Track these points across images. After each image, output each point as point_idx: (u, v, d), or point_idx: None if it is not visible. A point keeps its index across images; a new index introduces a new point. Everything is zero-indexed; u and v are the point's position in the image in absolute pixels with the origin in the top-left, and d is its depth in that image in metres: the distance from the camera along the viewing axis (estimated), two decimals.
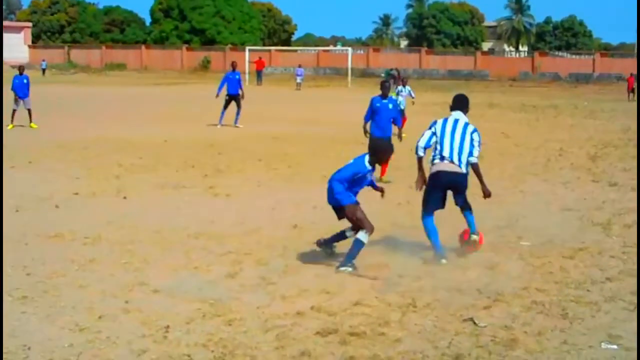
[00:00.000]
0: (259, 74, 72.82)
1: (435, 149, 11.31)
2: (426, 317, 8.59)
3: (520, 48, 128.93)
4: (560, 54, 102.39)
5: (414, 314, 8.69)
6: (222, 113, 31.01)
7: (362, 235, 10.76)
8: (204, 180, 17.64)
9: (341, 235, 11.37)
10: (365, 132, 17.87)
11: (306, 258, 11.06)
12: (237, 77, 31.63)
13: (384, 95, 17.74)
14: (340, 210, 11.19)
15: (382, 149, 11.54)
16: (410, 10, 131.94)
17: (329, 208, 14.55)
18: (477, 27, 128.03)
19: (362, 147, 23.48)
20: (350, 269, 10.49)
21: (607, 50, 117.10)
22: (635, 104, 50.78)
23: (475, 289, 9.62)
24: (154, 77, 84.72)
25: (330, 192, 11.27)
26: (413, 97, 31.38)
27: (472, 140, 11.21)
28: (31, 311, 8.60)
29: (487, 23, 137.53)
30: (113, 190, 16.31)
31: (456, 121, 11.37)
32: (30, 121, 28.55)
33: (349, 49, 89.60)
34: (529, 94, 62.14)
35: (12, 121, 28.44)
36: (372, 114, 17.75)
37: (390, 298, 9.22)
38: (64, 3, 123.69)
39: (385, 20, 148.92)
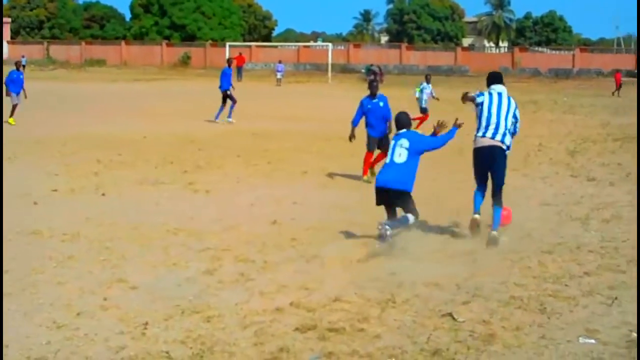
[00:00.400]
0: (239, 70, 72.60)
1: (480, 123, 11.96)
2: (405, 313, 8.59)
3: (501, 44, 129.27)
4: (540, 49, 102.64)
5: (393, 310, 8.69)
6: (221, 109, 31.26)
7: (412, 218, 11.41)
8: (184, 177, 17.61)
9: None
10: (351, 137, 17.75)
11: (285, 254, 11.04)
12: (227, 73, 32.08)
13: (373, 95, 17.69)
14: (397, 196, 11.54)
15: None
16: (390, 5, 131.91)
17: (309, 203, 14.66)
18: (458, 22, 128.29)
19: (343, 142, 23.53)
20: (389, 233, 11.15)
21: (586, 45, 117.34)
22: (618, 100, 51.05)
23: (454, 284, 9.63)
24: (134, 73, 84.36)
25: (403, 172, 11.55)
26: (434, 96, 31.31)
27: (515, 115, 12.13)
28: (9, 309, 8.55)
29: (467, 19, 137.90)
30: (92, 186, 16.24)
31: (500, 94, 12.18)
32: (11, 116, 28.35)
33: (330, 44, 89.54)
34: (509, 90, 61.58)
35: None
36: (365, 115, 17.67)
37: (369, 294, 9.21)
38: None
39: (366, 16, 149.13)
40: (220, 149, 22.51)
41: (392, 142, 12.00)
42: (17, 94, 28.95)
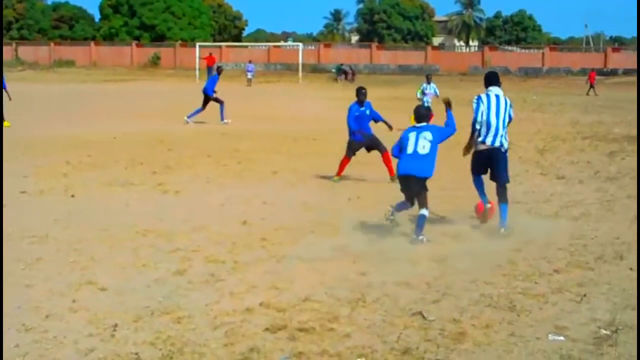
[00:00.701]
0: (209, 70, 72.46)
1: (480, 129, 12.57)
2: (375, 312, 8.59)
3: (471, 43, 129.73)
4: (510, 48, 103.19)
5: (363, 309, 8.69)
6: (198, 110, 31.28)
7: (425, 211, 11.95)
8: (153, 177, 17.54)
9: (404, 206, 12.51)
10: (353, 143, 17.55)
11: (255, 254, 11.01)
12: (216, 80, 32.40)
13: (361, 102, 17.43)
14: (419, 183, 12.15)
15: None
16: (361, 5, 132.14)
17: (279, 203, 14.67)
18: (428, 22, 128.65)
19: (313, 143, 23.57)
20: (425, 237, 11.66)
21: (556, 44, 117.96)
22: (588, 98, 51.42)
23: (425, 283, 9.65)
24: (103, 73, 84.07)
25: (427, 162, 12.17)
26: (437, 95, 31.15)
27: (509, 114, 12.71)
28: None
29: (437, 18, 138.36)
30: (61, 188, 16.15)
31: (497, 97, 12.64)
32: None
33: (300, 44, 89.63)
34: (477, 89, 62.49)
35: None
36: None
37: (339, 293, 9.21)
38: None
39: (336, 16, 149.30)
40: (190, 149, 22.45)
41: (411, 134, 12.35)
42: None
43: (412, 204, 12.33)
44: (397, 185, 12.41)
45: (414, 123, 12.61)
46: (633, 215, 13.60)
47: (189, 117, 30.66)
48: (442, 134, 12.48)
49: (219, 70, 33.32)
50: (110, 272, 10.08)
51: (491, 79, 12.87)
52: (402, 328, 8.10)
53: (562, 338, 7.86)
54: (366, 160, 18.25)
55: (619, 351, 7.58)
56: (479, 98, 12.71)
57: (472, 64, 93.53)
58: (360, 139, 17.39)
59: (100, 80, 69.34)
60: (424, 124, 12.48)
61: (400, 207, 12.50)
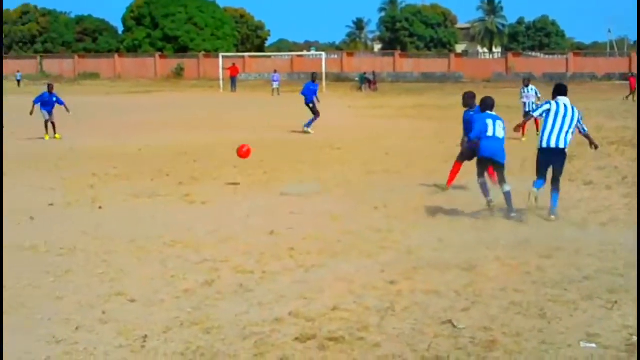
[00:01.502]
0: (233, 80, 72.72)
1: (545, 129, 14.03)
2: (405, 321, 8.56)
3: (494, 49, 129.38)
4: (533, 54, 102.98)
5: (392, 318, 8.67)
6: (310, 120, 31.35)
7: (508, 186, 14.10)
8: (179, 188, 17.57)
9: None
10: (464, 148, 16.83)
11: (283, 264, 11.01)
12: (312, 87, 32.37)
13: (471, 107, 16.76)
14: (499, 164, 14.37)
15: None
16: (383, 13, 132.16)
17: (306, 213, 14.64)
18: (450, 29, 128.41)
19: (338, 152, 23.56)
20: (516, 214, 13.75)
21: (580, 49, 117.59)
22: (613, 103, 51.13)
23: (454, 291, 9.62)
24: (128, 85, 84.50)
25: (501, 149, 14.31)
26: (539, 97, 30.35)
27: (579, 119, 14.25)
28: (7, 324, 8.51)
29: (460, 25, 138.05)
30: (88, 200, 16.22)
31: (565, 106, 14.11)
32: (55, 132, 29.16)
33: (323, 53, 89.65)
34: (504, 95, 61.90)
35: (46, 131, 29.30)
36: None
37: (368, 302, 9.20)
38: (35, 13, 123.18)
39: (359, 24, 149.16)
40: (215, 160, 22.48)
41: (489, 120, 14.37)
42: (49, 112, 29.17)
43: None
44: (423, 192, 12.35)
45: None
46: None
47: (306, 125, 30.98)
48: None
49: (314, 77, 33.65)
50: (139, 283, 10.11)
51: (560, 89, 14.39)
52: (432, 337, 8.07)
53: (593, 345, 7.81)
54: (394, 169, 18.25)
55: None
56: (549, 102, 14.29)
57: (496, 70, 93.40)
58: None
59: (124, 92, 69.66)
60: (494, 113, 14.65)
61: (487, 189, 14.48)
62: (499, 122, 14.40)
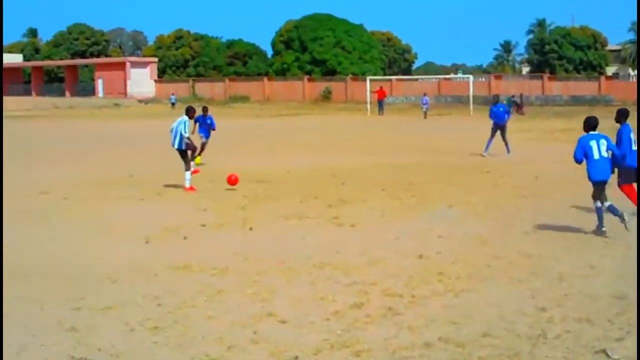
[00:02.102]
0: (380, 103, 72.87)
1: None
2: (557, 349, 8.42)
3: None
4: None
5: (544, 346, 8.53)
6: (489, 142, 30.97)
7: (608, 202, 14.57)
8: (328, 211, 17.70)
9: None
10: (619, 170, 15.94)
11: (432, 288, 10.98)
12: (502, 109, 31.98)
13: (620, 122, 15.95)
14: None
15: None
16: (531, 36, 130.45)
17: (454, 237, 14.57)
18: (600, 51, 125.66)
19: (486, 175, 23.36)
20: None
21: None
22: None
23: (606, 320, 9.40)
24: (276, 108, 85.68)
25: (609, 169, 14.66)
26: None
27: None
28: (162, 341, 8.75)
29: (610, 47, 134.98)
30: (239, 221, 16.51)
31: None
32: (200, 154, 28.75)
33: (470, 76, 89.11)
34: None
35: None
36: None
37: (519, 329, 9.08)
38: (188, 37, 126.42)
39: (506, 47, 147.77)
40: (363, 183, 22.55)
41: (592, 142, 14.50)
42: (206, 137, 29.41)
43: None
44: (574, 217, 12.12)
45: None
46: None
47: (507, 151, 30.67)
48: (610, 143, 14.73)
49: (496, 99, 33.37)
50: (289, 304, 10.23)
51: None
52: None
53: None
54: (544, 193, 17.97)
55: None
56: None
57: None
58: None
59: (273, 115, 70.68)
60: (597, 132, 14.69)
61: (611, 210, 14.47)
62: (602, 141, 14.57)
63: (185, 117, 21.75)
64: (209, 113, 29.81)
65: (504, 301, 10.26)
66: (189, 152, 21.75)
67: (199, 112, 26.09)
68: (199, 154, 27.72)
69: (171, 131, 21.79)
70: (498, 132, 30.78)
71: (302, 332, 9.04)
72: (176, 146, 21.56)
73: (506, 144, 30.67)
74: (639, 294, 9.32)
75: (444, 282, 11.26)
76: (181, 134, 21.35)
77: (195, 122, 27.56)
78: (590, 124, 14.75)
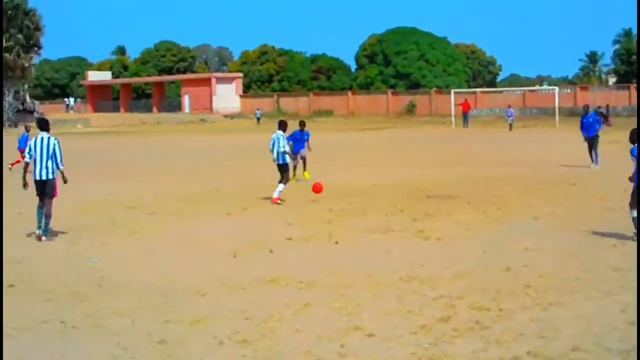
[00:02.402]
0: (465, 116, 72.41)
1: None
2: None
3: None
4: None
5: None
6: (595, 155, 30.77)
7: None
8: (414, 224, 17.68)
9: None
10: None
11: (520, 302, 10.91)
12: (592, 118, 31.77)
13: None
14: None
15: None
16: (617, 46, 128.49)
17: (542, 250, 14.47)
18: None
19: (572, 188, 23.09)
20: None
21: None
22: None
23: None
24: (360, 122, 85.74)
25: None
26: None
27: None
28: (250, 355, 8.85)
29: None
30: (325, 235, 16.59)
31: None
32: (305, 170, 28.91)
33: (556, 88, 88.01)
34: None
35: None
36: None
37: (609, 343, 8.99)
38: (273, 53, 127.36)
39: (592, 58, 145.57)
40: (448, 196, 22.46)
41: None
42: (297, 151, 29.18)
43: None
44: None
45: None
46: None
47: (595, 162, 30.42)
48: None
49: (586, 110, 32.88)
50: (376, 318, 10.27)
51: None
52: None
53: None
54: None
55: None
56: None
57: None
58: None
59: (358, 129, 70.73)
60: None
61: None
62: None
63: (280, 132, 22.06)
64: (306, 128, 29.74)
65: (593, 315, 10.16)
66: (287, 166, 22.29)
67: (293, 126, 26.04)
68: (304, 169, 27.93)
69: (271, 150, 22.25)
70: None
71: (389, 346, 9.06)
72: (279, 161, 22.04)
73: (595, 155, 30.26)
74: (638, 299, 9.12)
75: (531, 296, 11.18)
76: (280, 149, 21.71)
77: (292, 137, 27.51)
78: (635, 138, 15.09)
